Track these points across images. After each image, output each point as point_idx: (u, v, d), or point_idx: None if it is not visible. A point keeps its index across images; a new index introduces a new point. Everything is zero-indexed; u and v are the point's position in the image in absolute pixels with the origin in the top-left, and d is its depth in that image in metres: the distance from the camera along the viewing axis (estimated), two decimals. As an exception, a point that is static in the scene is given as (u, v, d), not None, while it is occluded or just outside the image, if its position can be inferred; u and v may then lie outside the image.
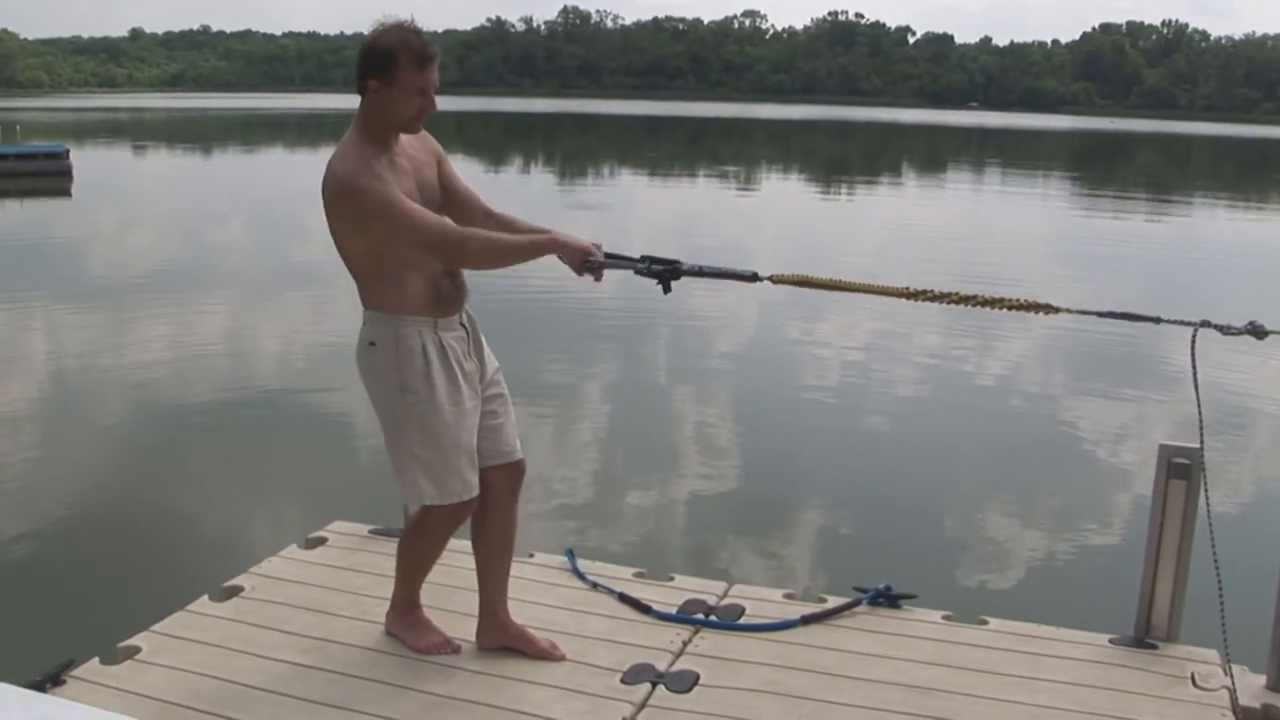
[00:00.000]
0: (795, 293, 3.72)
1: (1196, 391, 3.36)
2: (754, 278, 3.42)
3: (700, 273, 3.41)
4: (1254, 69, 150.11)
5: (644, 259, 3.39)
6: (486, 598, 3.58)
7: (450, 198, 3.45)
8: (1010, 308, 3.36)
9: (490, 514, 3.50)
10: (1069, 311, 3.37)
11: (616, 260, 3.37)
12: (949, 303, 3.36)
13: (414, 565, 3.59)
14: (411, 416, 3.28)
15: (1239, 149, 76.98)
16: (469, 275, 3.42)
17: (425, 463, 3.32)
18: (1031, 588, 6.05)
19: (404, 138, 3.32)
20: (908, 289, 3.38)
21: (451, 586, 3.69)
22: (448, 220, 3.30)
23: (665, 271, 3.38)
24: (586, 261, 3.28)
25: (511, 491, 3.55)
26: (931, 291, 3.37)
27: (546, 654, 3.53)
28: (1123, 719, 3.25)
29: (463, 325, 3.38)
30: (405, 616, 3.63)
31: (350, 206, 3.16)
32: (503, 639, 3.56)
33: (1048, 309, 3.30)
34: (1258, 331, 3.17)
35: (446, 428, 3.28)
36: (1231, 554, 3.56)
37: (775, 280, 3.42)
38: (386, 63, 3.16)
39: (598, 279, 3.35)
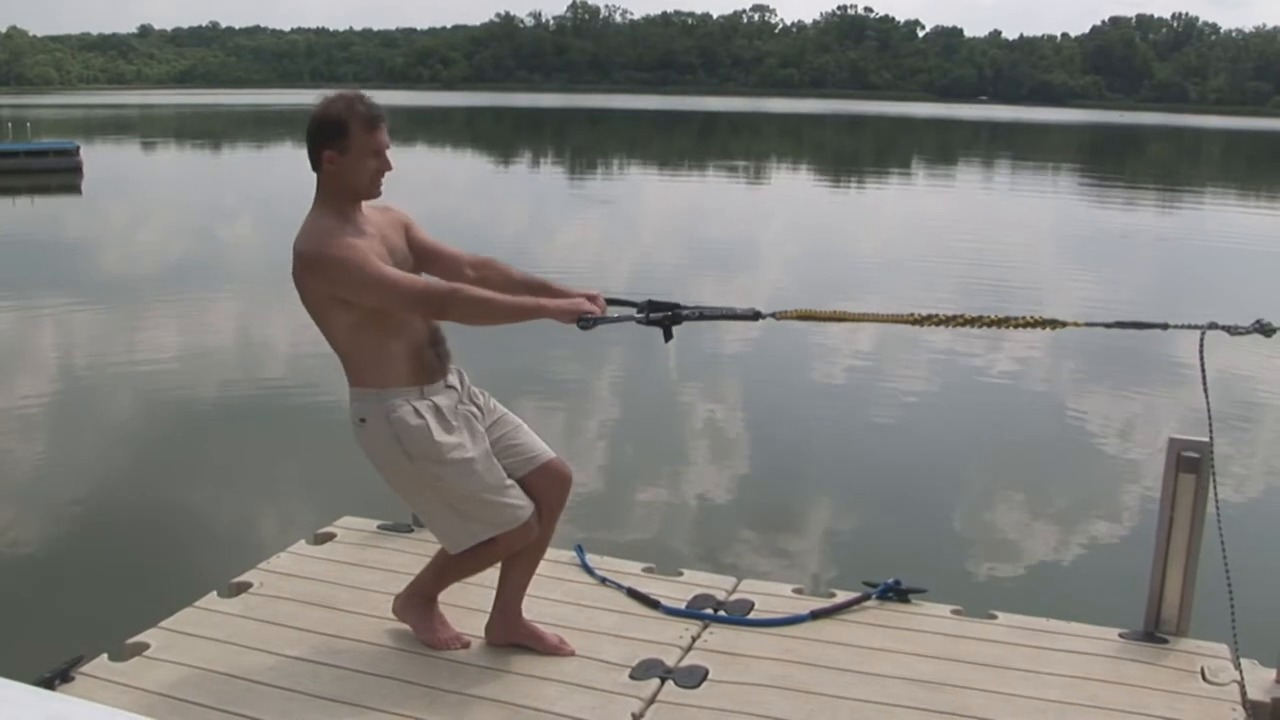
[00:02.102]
0: (804, 290, 3.73)
1: (1205, 392, 3.38)
2: (755, 316, 3.47)
3: (701, 316, 3.46)
4: (1264, 62, 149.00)
5: (644, 305, 3.45)
6: (504, 596, 3.57)
7: (428, 260, 3.45)
8: (1017, 326, 3.37)
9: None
10: (1076, 325, 3.39)
11: (615, 309, 3.42)
12: (956, 325, 3.40)
13: (455, 572, 3.56)
14: (429, 478, 3.30)
15: (1249, 142, 76.65)
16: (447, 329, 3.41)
17: (463, 511, 3.33)
18: (1041, 582, 6.04)
19: (367, 210, 3.32)
20: (913, 316, 3.42)
21: (464, 582, 3.68)
22: (430, 277, 3.31)
23: (665, 318, 3.43)
24: (580, 320, 3.27)
25: (557, 506, 3.53)
26: (938, 316, 3.42)
27: (555, 649, 3.53)
28: (1133, 713, 3.24)
29: (449, 386, 3.38)
30: (420, 608, 3.62)
31: (324, 279, 3.16)
32: (513, 636, 3.55)
33: (1054, 324, 3.32)
34: (1266, 330, 3.16)
35: (469, 475, 3.29)
36: (1241, 548, 3.56)
37: (779, 316, 3.47)
38: (338, 131, 3.20)
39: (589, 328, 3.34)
